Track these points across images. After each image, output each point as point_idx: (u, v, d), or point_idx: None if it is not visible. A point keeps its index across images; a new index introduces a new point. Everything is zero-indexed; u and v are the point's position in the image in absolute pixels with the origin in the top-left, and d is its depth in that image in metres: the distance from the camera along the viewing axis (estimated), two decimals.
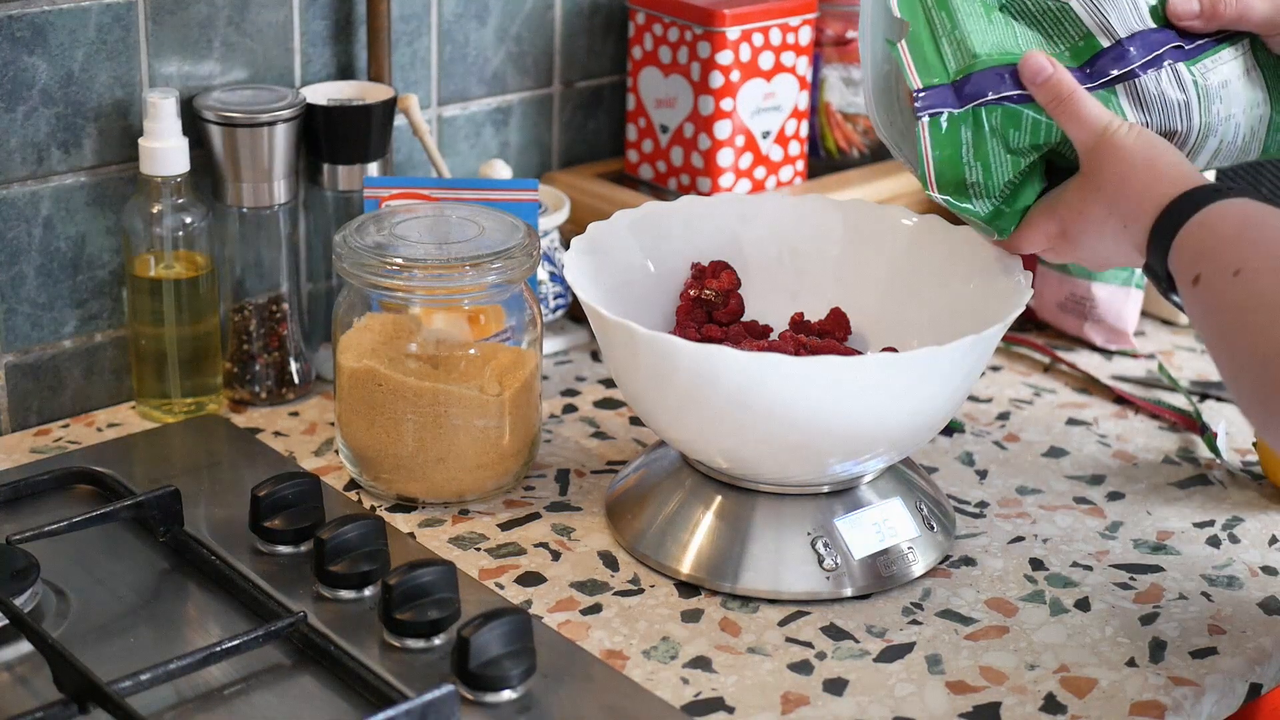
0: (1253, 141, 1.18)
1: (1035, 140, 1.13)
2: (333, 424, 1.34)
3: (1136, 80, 1.13)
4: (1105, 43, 1.13)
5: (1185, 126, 1.15)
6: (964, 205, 1.15)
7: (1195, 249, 1.02)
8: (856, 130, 1.65)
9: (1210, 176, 1.45)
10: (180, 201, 1.30)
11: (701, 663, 1.07)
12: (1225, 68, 1.15)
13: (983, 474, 1.31)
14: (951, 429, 1.37)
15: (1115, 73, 1.13)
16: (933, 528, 1.18)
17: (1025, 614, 1.13)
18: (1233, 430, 1.38)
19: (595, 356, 1.48)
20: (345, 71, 1.43)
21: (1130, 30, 1.14)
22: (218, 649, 1.01)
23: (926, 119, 1.12)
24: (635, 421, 1.37)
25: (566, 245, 1.46)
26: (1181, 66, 1.14)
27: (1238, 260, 0.98)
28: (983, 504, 1.26)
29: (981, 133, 1.12)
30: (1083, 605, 1.14)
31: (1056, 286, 1.53)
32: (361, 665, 1.01)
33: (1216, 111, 1.15)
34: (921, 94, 1.12)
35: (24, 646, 1.03)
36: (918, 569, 1.16)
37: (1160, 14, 1.15)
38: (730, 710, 1.03)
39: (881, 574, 1.15)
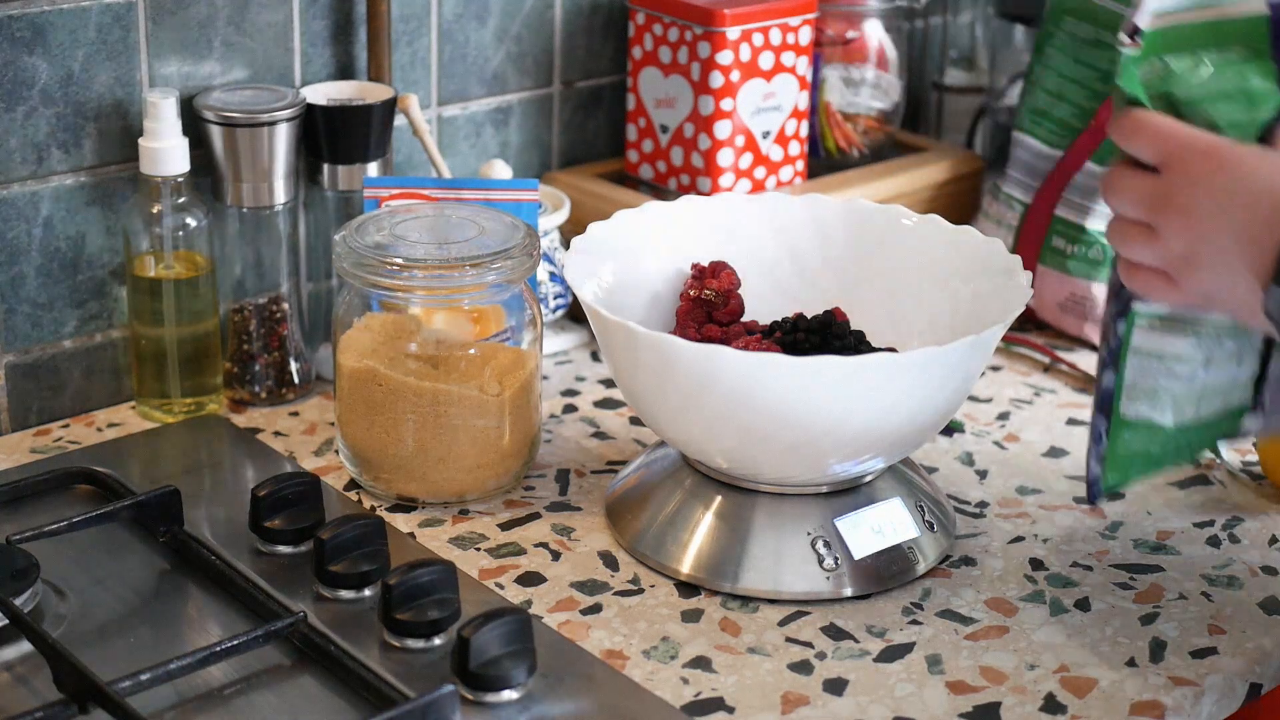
0: None
1: None
2: (333, 424, 1.34)
3: None
4: None
5: None
6: None
7: None
8: (856, 130, 1.65)
9: None
10: (180, 201, 1.30)
11: (701, 663, 1.07)
12: None
13: (983, 474, 1.31)
14: (951, 429, 1.37)
15: None
16: (933, 528, 1.18)
17: (1025, 614, 1.13)
18: None
19: (595, 356, 1.48)
20: (345, 71, 1.43)
21: None
22: (218, 649, 1.01)
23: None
24: (635, 421, 1.37)
25: (566, 245, 1.46)
26: None
27: None
28: (983, 504, 1.26)
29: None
30: (1083, 605, 1.14)
31: (1056, 286, 1.53)
32: (361, 665, 1.01)
33: None
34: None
35: (24, 646, 1.03)
36: (918, 569, 1.16)
37: None
38: (730, 710, 1.03)
39: (881, 574, 1.15)
